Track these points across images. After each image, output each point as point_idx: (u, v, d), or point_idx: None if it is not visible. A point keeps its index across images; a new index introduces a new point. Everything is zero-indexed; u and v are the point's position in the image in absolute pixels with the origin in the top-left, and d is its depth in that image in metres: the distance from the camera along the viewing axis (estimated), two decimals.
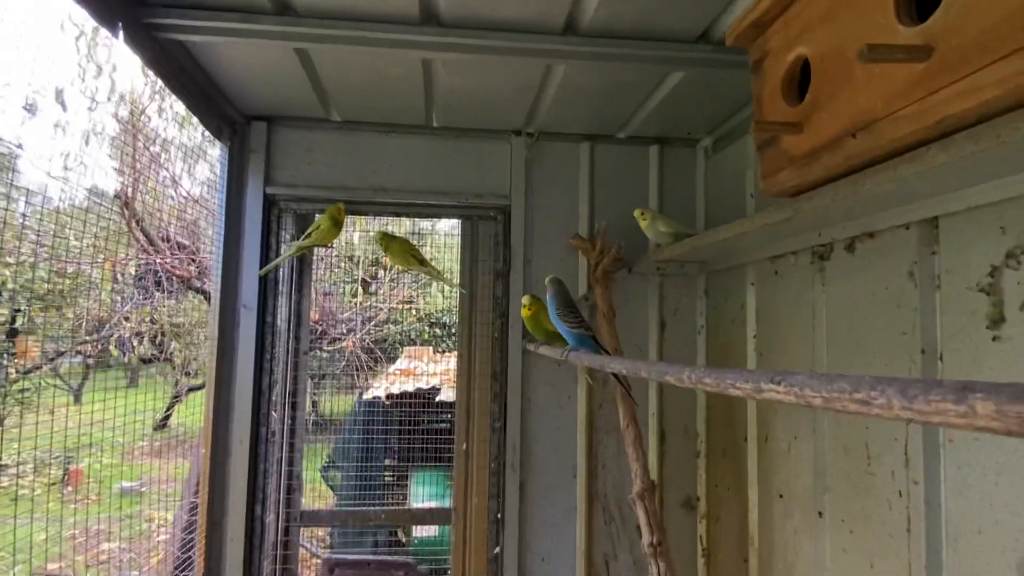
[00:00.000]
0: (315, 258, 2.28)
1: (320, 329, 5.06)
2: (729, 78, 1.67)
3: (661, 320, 2.10)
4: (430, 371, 5.30)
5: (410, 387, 4.89)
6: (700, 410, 2.17)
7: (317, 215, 2.07)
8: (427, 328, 6.67)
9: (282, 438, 2.16)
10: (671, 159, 2.20)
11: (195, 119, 1.99)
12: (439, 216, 2.17)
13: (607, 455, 2.13)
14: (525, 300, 1.85)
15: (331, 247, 1.97)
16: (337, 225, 1.94)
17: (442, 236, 4.58)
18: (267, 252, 2.04)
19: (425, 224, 4.51)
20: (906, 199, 1.21)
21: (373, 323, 6.10)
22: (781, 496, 1.72)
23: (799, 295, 1.64)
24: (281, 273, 2.07)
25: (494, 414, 2.12)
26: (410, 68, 1.66)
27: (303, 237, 1.94)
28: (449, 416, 4.34)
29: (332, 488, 4.72)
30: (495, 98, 1.86)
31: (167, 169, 5.01)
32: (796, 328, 1.65)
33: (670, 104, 1.89)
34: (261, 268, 1.98)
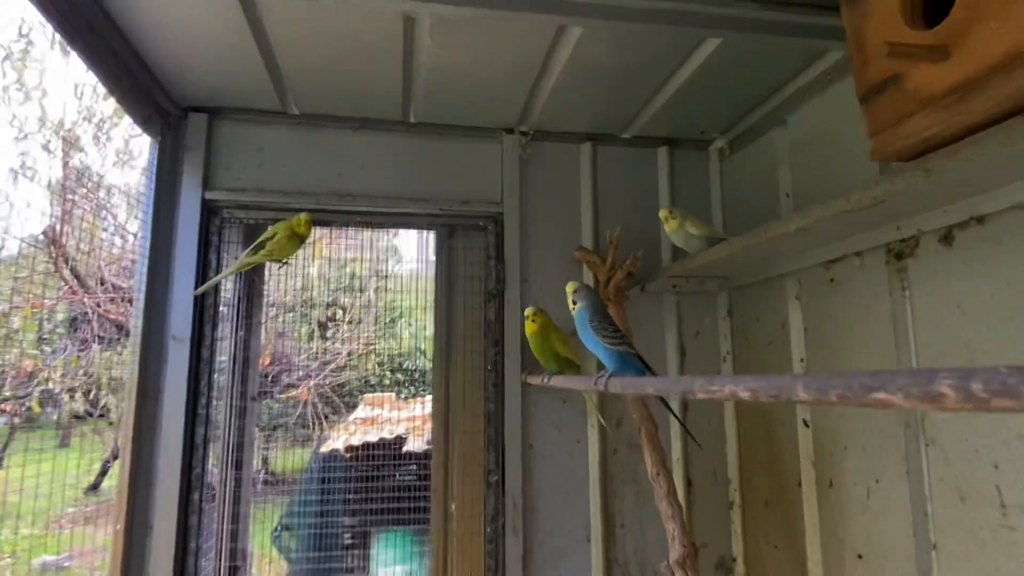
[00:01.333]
0: (269, 281, 1.86)
1: (272, 374, 4.53)
2: (772, 48, 1.38)
3: (681, 346, 1.80)
4: (394, 419, 4.81)
5: (372, 437, 4.39)
6: (731, 452, 1.82)
7: (271, 225, 1.67)
8: (388, 373, 6.17)
9: (223, 505, 1.69)
10: (682, 162, 1.91)
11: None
12: (417, 227, 1.79)
13: (626, 512, 1.74)
14: (529, 312, 1.50)
15: (287, 263, 1.55)
16: (297, 237, 1.54)
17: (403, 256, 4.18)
18: (205, 271, 1.61)
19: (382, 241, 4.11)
20: None
21: (331, 368, 5.59)
22: (860, 557, 1.35)
23: (870, 306, 1.33)
24: (224, 296, 1.65)
25: (488, 465, 1.71)
26: (387, 31, 1.32)
27: (251, 248, 1.54)
28: (416, 468, 3.84)
29: (285, 556, 4.13)
30: (487, 82, 1.54)
31: (102, 203, 4.51)
32: (866, 347, 1.34)
33: (681, 99, 1.62)
34: (197, 288, 1.55)
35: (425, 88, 1.57)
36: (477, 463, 1.75)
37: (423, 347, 5.54)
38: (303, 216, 1.55)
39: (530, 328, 1.48)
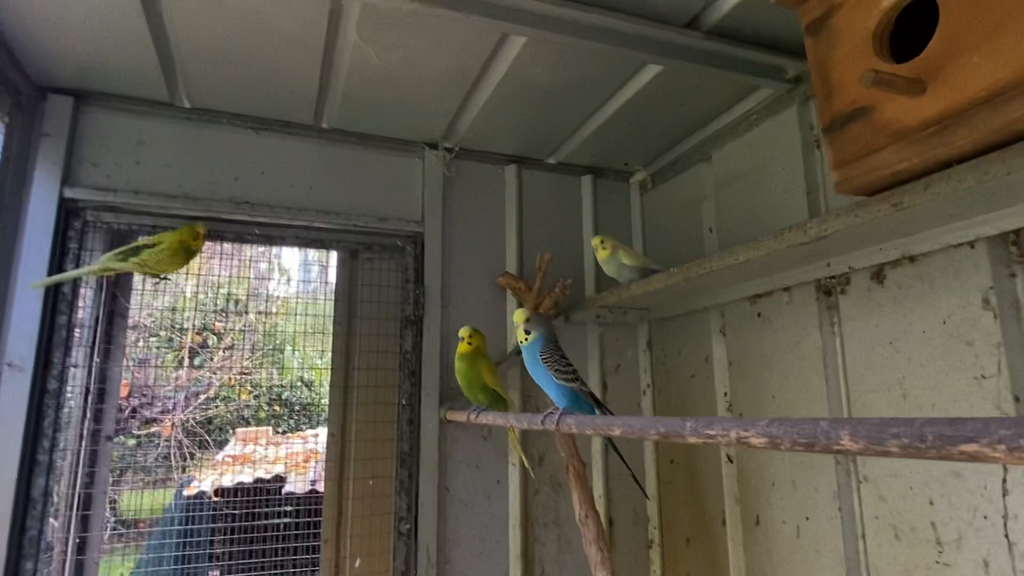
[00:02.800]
0: (136, 299, 1.56)
1: (130, 408, 3.95)
2: (707, 81, 1.38)
3: (603, 379, 1.71)
4: (272, 456, 4.37)
5: (246, 478, 3.93)
6: (650, 488, 1.75)
7: (144, 236, 1.40)
8: (265, 406, 5.64)
9: (63, 567, 1.36)
10: (605, 191, 1.88)
11: None
12: (324, 244, 1.58)
13: (547, 557, 1.61)
14: (465, 332, 1.36)
15: (166, 279, 1.29)
16: (185, 251, 1.29)
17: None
18: (58, 285, 1.30)
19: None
20: (984, 206, 0.93)
21: (200, 400, 5.02)
22: None
23: (799, 341, 1.33)
24: (77, 318, 1.34)
25: (399, 512, 1.51)
26: (310, 20, 1.15)
27: (121, 251, 1.26)
28: (299, 513, 3.48)
29: None
30: (415, 90, 1.40)
31: None
32: (795, 382, 1.32)
33: (610, 129, 1.59)
34: (41, 282, 1.25)
35: (345, 90, 1.40)
36: (384, 510, 1.55)
37: (309, 377, 5.12)
38: (200, 227, 1.30)
39: (463, 349, 1.34)
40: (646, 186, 1.89)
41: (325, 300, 1.72)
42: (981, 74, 0.72)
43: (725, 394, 1.54)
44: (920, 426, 0.45)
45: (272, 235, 1.53)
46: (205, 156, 1.49)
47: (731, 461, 1.51)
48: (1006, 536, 0.95)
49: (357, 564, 1.49)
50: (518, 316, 1.14)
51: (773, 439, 0.58)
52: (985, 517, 0.98)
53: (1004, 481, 0.96)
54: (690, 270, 1.28)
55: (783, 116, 1.39)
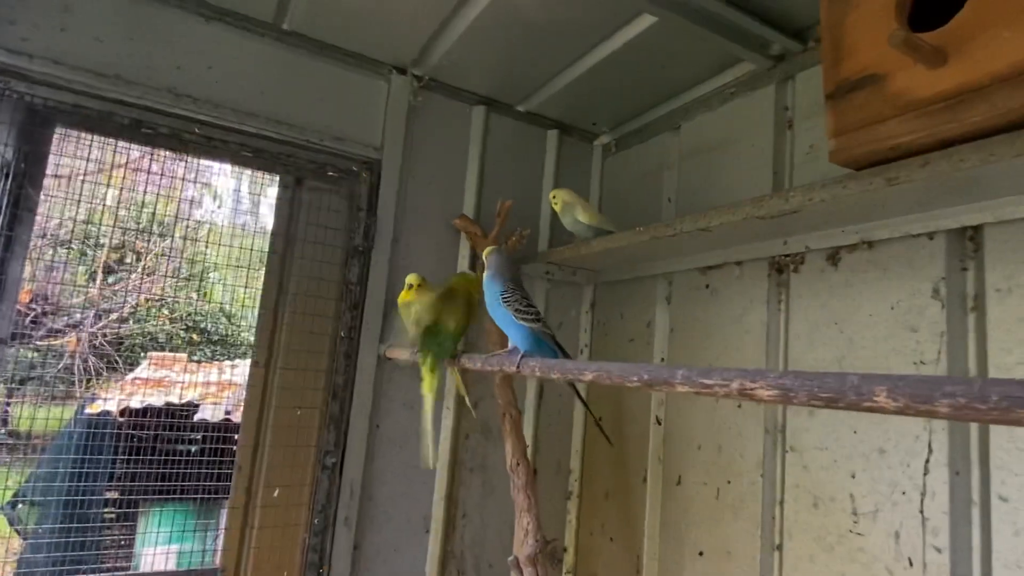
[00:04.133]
0: (45, 202, 1.31)
1: (32, 316, 3.52)
2: (693, 46, 1.31)
3: (548, 329, 1.61)
4: (186, 383, 4.06)
5: (157, 401, 3.63)
6: (576, 441, 1.71)
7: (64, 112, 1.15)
8: (182, 332, 5.23)
9: None
10: (570, 149, 1.79)
11: None
12: (269, 167, 1.39)
13: (470, 501, 1.54)
14: (412, 279, 1.22)
15: None
16: None
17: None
18: None
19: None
20: (952, 199, 0.90)
21: (113, 318, 4.58)
22: (701, 554, 1.31)
23: (744, 315, 1.29)
24: None
25: (325, 446, 1.38)
26: None
27: None
28: (209, 436, 3.24)
29: (20, 531, 3.21)
30: (393, 4, 1.22)
31: None
32: (733, 353, 1.30)
33: (584, 84, 1.49)
34: None
35: None
36: (308, 443, 1.41)
37: (234, 307, 4.78)
38: None
39: (405, 298, 1.24)
40: (610, 150, 1.81)
41: (255, 233, 1.54)
42: (1009, 50, 0.66)
43: (662, 360, 1.51)
44: (982, 387, 0.38)
45: (213, 138, 1.32)
46: (144, 37, 1.25)
47: (659, 423, 1.48)
48: (921, 511, 0.96)
49: (276, 494, 1.35)
50: (488, 252, 1.02)
51: (785, 392, 0.50)
52: (903, 493, 0.98)
53: (927, 461, 0.96)
54: (657, 231, 1.21)
55: (759, 93, 1.34)
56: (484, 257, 1.05)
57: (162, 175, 1.65)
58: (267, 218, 1.57)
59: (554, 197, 1.47)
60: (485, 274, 1.06)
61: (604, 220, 1.43)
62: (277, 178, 1.45)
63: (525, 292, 1.01)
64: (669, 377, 0.62)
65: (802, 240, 1.17)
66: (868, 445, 1.04)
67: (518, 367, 0.91)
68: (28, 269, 1.32)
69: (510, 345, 1.01)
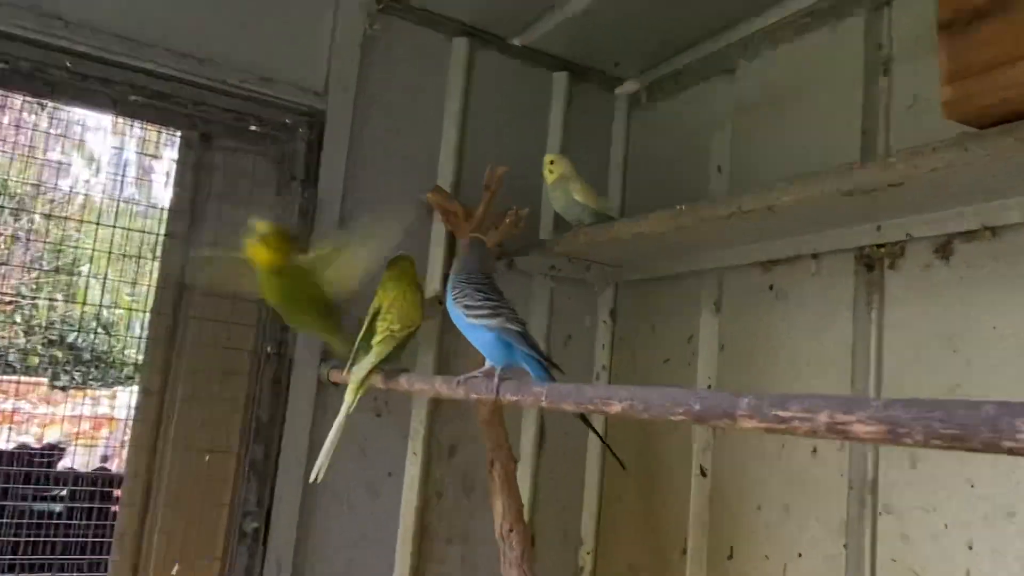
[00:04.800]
0: None
1: None
2: None
3: (548, 350, 1.65)
4: (46, 418, 4.05)
5: (6, 444, 3.61)
6: (589, 502, 1.73)
7: None
8: (41, 348, 5.17)
9: None
10: (583, 99, 1.80)
11: None
12: (167, 120, 1.39)
13: None
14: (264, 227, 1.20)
15: None
16: None
17: None
18: None
19: None
20: None
21: None
22: None
23: (820, 327, 1.32)
24: None
25: (243, 506, 1.38)
26: None
27: None
28: (83, 498, 3.20)
29: None
30: None
31: None
32: (812, 379, 1.32)
33: (606, 7, 1.49)
34: None
35: None
36: (221, 501, 1.41)
37: (115, 313, 4.74)
38: None
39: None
40: (638, 100, 1.82)
41: (146, 212, 1.63)
42: None
43: (709, 387, 1.51)
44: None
45: (89, 76, 1.30)
46: None
47: (704, 475, 1.49)
48: None
49: (175, 572, 1.33)
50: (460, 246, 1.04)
51: (894, 427, 0.49)
52: None
53: None
54: (703, 211, 1.22)
55: (846, 25, 1.35)
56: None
57: (17, 129, 1.65)
58: (163, 191, 1.58)
59: (551, 164, 1.50)
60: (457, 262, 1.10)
61: (604, 204, 1.49)
62: (178, 135, 1.45)
63: (486, 283, 1.03)
64: (730, 408, 0.61)
65: (902, 225, 1.18)
66: (991, 504, 1.05)
67: (497, 394, 0.90)
68: None
69: (486, 364, 1.01)
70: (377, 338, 1.21)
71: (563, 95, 1.75)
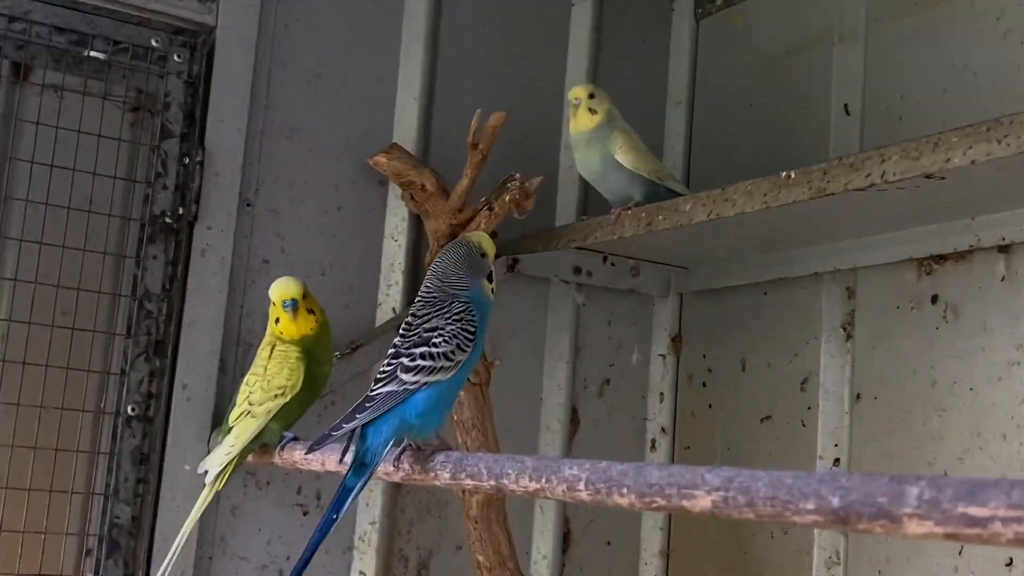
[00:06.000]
0: None
1: None
2: None
3: (572, 401, 1.77)
4: None
5: None
6: None
7: None
8: None
9: None
10: (622, 4, 1.81)
11: None
12: None
13: None
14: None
15: None
16: None
17: None
18: None
19: None
20: None
21: None
22: None
23: (1012, 360, 1.30)
24: None
25: None
26: None
27: None
28: None
29: None
30: None
31: None
32: (1015, 447, 1.29)
33: None
34: None
35: None
36: None
37: None
38: None
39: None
40: (707, 6, 1.82)
41: None
42: None
43: (837, 460, 1.51)
44: None
45: None
46: None
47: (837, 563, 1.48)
48: None
49: None
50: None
51: None
52: None
53: None
54: (829, 177, 1.18)
55: None
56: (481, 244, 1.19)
57: None
58: None
59: (587, 100, 1.48)
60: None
61: (665, 170, 1.50)
62: None
63: (457, 313, 1.13)
64: (891, 503, 0.57)
65: None
66: None
67: (424, 471, 1.01)
68: None
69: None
70: (234, 413, 1.32)
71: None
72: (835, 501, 0.61)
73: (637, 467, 0.81)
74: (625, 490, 0.80)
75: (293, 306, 1.38)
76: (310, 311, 1.41)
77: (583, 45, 1.77)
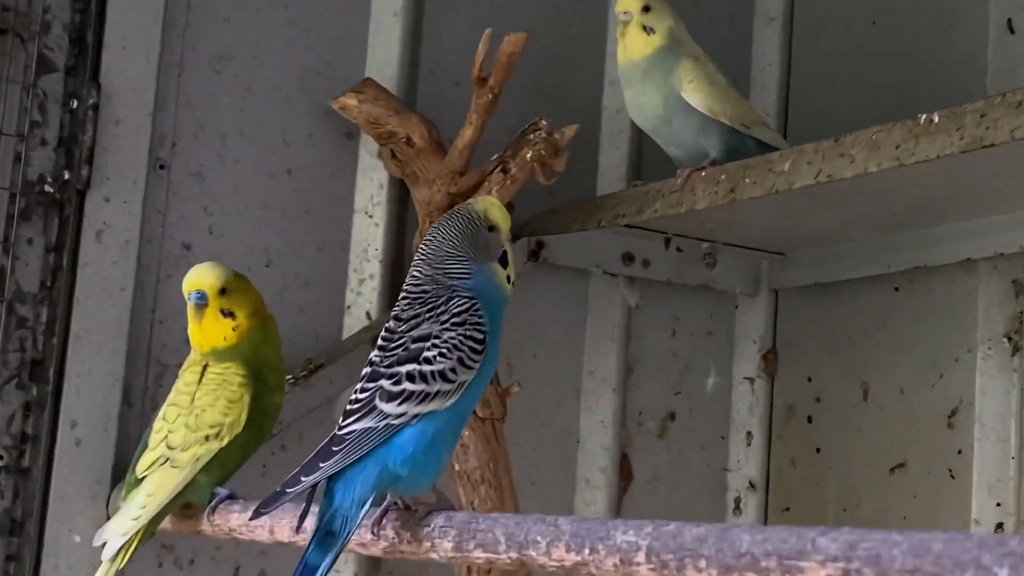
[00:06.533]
0: None
1: None
2: None
3: (621, 444, 1.77)
4: None
5: None
6: None
7: None
8: None
9: None
10: None
11: None
12: None
13: None
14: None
15: None
16: None
17: None
18: None
19: None
20: None
21: None
22: None
23: None
24: None
25: None
26: None
27: None
28: None
29: None
30: None
31: None
32: None
33: None
34: None
35: None
36: None
37: None
38: None
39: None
40: None
41: None
42: None
43: (999, 526, 1.55)
44: None
45: None
46: None
47: None
48: None
49: None
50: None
51: None
52: None
53: None
54: (970, 127, 1.15)
55: None
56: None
57: None
58: None
59: (625, 13, 1.49)
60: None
61: (754, 115, 1.52)
62: None
63: (457, 314, 1.09)
64: None
65: None
66: None
67: (430, 543, 0.96)
68: None
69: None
70: (144, 461, 1.30)
71: None
72: (1003, 573, 0.49)
73: (720, 530, 0.69)
74: (704, 562, 0.68)
75: (199, 300, 1.34)
76: (227, 313, 1.36)
77: None
